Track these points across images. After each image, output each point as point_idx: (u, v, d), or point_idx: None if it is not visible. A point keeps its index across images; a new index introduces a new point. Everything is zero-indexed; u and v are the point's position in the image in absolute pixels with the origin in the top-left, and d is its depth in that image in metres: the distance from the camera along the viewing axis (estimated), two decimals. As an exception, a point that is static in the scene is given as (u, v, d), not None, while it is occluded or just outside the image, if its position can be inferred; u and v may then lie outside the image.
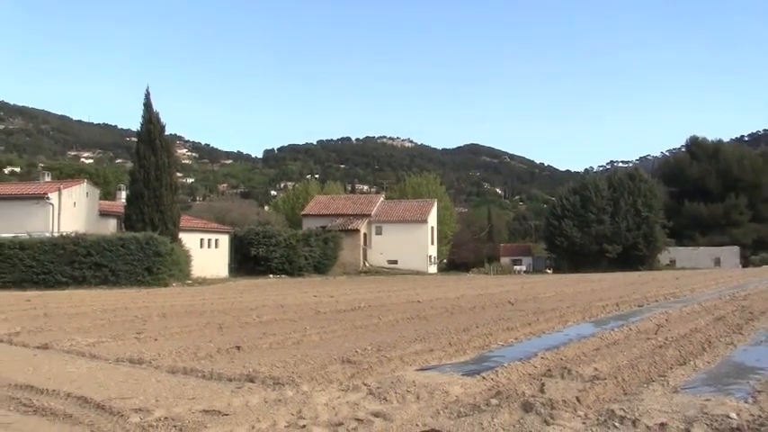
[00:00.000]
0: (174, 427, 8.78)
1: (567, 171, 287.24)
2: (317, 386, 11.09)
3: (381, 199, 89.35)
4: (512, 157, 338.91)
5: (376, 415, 8.85)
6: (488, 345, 16.03)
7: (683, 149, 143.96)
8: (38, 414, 10.05)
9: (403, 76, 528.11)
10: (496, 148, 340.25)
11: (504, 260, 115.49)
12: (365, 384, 10.97)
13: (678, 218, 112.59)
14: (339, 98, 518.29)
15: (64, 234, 46.81)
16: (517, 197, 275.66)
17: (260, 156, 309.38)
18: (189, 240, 54.57)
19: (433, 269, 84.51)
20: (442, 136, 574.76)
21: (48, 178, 62.42)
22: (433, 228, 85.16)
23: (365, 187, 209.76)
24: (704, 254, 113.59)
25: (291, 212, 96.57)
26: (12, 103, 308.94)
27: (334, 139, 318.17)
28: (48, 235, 47.16)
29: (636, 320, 20.62)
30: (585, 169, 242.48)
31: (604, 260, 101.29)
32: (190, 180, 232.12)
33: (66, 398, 10.75)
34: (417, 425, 8.40)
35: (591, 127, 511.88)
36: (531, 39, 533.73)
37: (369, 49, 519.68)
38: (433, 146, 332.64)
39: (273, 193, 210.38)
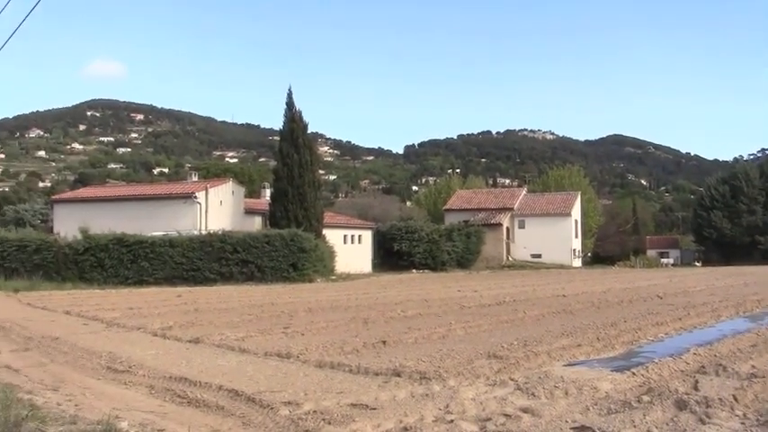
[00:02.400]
0: (323, 420, 8.87)
1: (715, 160, 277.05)
2: (463, 381, 11.04)
3: (524, 192, 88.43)
4: (657, 147, 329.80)
5: (524, 410, 8.75)
6: (637, 340, 15.69)
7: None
8: (191, 405, 10.33)
9: (543, 67, 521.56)
10: (641, 138, 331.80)
11: (651, 253, 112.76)
12: (512, 379, 10.87)
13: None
14: (479, 92, 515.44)
15: (211, 232, 47.98)
16: (663, 188, 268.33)
17: (401, 151, 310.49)
18: (332, 236, 55.20)
19: (578, 263, 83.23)
20: (584, 127, 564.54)
21: (195, 178, 64.19)
22: (576, 221, 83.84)
23: (507, 181, 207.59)
24: None
25: (433, 207, 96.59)
26: (160, 106, 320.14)
27: (475, 133, 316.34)
28: (196, 233, 48.41)
29: (795, 315, 19.86)
30: (735, 158, 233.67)
31: (757, 252, 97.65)
32: (332, 177, 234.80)
33: (218, 390, 11.02)
34: (567, 421, 8.26)
35: (740, 112, 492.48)
36: (677, 20, 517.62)
37: (507, 42, 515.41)
38: (574, 137, 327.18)
39: (415, 188, 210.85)
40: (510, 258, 77.00)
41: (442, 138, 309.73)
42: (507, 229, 78.31)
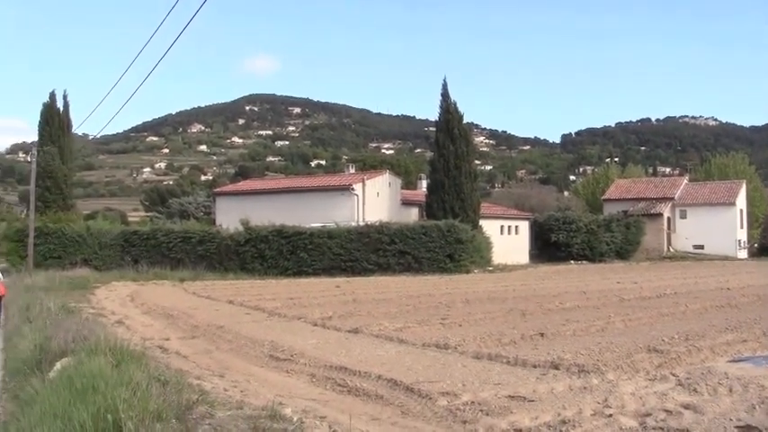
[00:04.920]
0: (481, 411, 8.93)
1: None
2: (622, 375, 10.91)
3: (685, 181, 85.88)
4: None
5: (686, 407, 8.56)
6: (809, 336, 15.09)
7: None
8: (351, 394, 10.57)
9: (704, 50, 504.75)
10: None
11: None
12: (673, 374, 10.64)
13: None
14: (637, 78, 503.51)
15: (369, 223, 48.61)
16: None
17: (557, 141, 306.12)
18: (489, 227, 55.00)
19: (743, 254, 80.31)
20: (750, 112, 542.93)
21: (352, 170, 65.13)
22: (741, 210, 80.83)
23: (667, 170, 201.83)
24: None
25: (592, 197, 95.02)
26: (316, 99, 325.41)
27: (633, 120, 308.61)
28: (353, 224, 49.13)
29: None
30: None
31: None
32: (488, 167, 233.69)
33: (377, 380, 11.22)
34: (731, 419, 8.03)
35: None
36: None
37: (661, 27, 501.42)
38: (739, 123, 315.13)
39: (572, 178, 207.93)
40: (671, 249, 75.02)
41: (600, 126, 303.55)
42: (668, 219, 76.28)
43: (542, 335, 15.64)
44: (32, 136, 67.07)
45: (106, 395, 7.31)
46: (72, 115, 62.79)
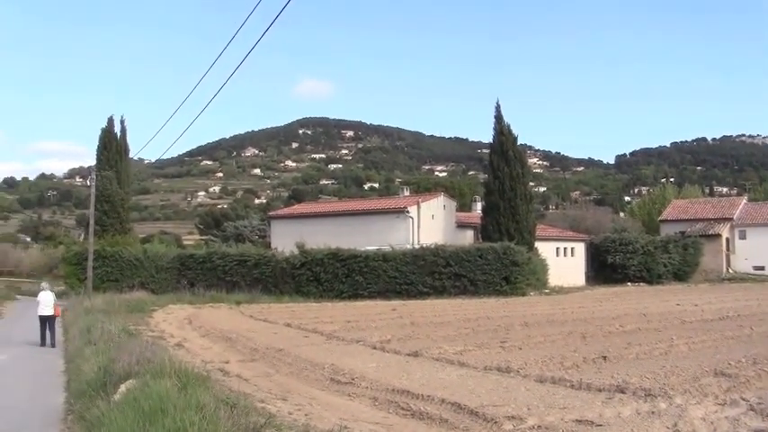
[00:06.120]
0: (548, 436, 8.82)
1: None
2: (690, 399, 10.72)
3: (744, 201, 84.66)
4: None
5: (760, 432, 8.38)
6: None
7: None
8: (415, 417, 10.51)
9: (756, 68, 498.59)
10: None
11: None
12: (744, 399, 10.45)
13: None
14: (692, 97, 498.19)
15: (424, 246, 48.49)
16: None
17: (612, 161, 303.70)
18: (545, 249, 54.66)
19: (807, 275, 79.02)
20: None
21: (406, 193, 65.12)
22: (803, 230, 79.65)
23: (724, 189, 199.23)
24: None
25: (648, 218, 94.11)
26: (369, 122, 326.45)
27: (689, 140, 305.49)
28: (408, 247, 49.08)
29: None
30: None
31: None
32: (542, 189, 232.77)
33: (441, 403, 11.15)
34: (808, 445, 7.84)
35: None
36: None
37: (716, 45, 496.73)
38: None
39: (627, 198, 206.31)
40: (730, 271, 73.92)
41: (655, 146, 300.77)
42: (727, 239, 75.21)
43: (605, 358, 15.46)
44: (90, 160, 68.42)
45: (175, 418, 7.35)
46: (129, 140, 63.68)
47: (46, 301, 25.08)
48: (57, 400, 13.48)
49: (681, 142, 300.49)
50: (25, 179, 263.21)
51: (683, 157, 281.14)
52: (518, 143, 54.24)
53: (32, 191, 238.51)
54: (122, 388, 10.35)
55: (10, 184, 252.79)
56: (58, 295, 32.04)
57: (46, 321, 24.91)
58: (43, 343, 24.53)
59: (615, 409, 10.18)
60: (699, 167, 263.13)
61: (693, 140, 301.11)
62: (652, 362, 14.95)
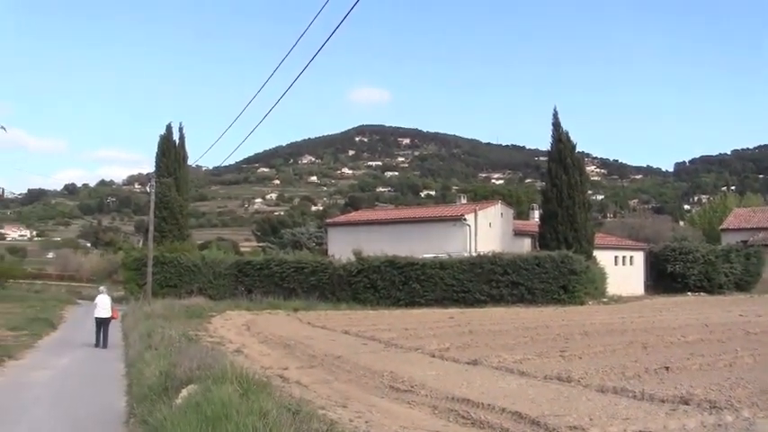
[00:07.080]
0: (613, 447, 8.70)
1: None
2: (758, 412, 10.53)
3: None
4: None
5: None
6: None
7: None
8: (476, 426, 10.44)
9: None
10: None
11: None
12: (816, 413, 10.21)
13: None
14: (754, 103, 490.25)
15: (481, 254, 48.34)
16: None
17: (670, 169, 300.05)
18: (603, 258, 54.12)
19: None
20: None
21: (463, 200, 64.93)
22: None
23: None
24: None
25: (708, 227, 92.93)
26: (425, 130, 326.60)
27: (750, 147, 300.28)
28: (466, 255, 48.95)
29: None
30: None
31: None
32: (599, 197, 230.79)
33: (501, 412, 11.06)
34: None
35: None
36: None
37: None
38: None
39: (686, 207, 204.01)
40: (794, 281, 72.68)
41: (715, 153, 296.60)
42: (790, 249, 74.00)
43: (667, 368, 15.25)
44: (149, 168, 69.01)
45: (238, 423, 7.38)
46: (187, 147, 64.19)
47: (103, 304, 26.20)
48: (119, 404, 13.64)
49: (742, 149, 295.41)
50: (86, 185, 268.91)
51: (744, 164, 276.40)
52: (576, 150, 53.80)
53: (92, 197, 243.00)
54: (184, 393, 10.43)
55: (71, 190, 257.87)
56: (118, 300, 32.67)
57: (101, 323, 25.88)
58: (97, 344, 25.62)
59: (680, 420, 10.02)
60: (761, 176, 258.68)
61: (755, 148, 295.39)
62: (716, 373, 14.71)
